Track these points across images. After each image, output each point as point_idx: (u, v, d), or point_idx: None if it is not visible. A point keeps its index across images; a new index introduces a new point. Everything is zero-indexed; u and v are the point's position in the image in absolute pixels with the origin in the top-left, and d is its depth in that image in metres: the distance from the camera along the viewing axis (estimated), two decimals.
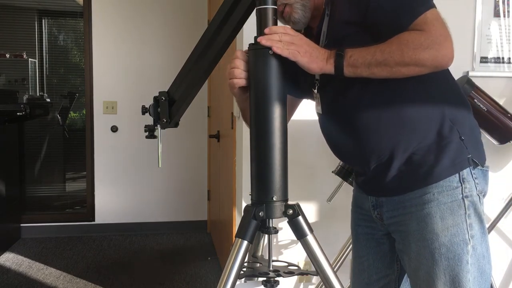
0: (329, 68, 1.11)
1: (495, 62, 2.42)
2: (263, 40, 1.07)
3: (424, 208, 1.19)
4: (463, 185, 1.18)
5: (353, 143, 1.25)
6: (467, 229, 1.17)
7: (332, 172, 2.07)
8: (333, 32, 1.22)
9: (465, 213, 1.18)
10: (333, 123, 1.31)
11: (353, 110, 1.22)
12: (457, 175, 1.18)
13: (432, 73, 1.12)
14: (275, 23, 1.11)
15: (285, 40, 1.07)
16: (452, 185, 1.18)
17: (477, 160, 1.21)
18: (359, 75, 1.12)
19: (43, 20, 5.31)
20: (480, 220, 1.20)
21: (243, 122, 2.28)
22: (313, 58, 1.10)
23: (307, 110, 2.30)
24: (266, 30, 1.08)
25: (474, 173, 1.20)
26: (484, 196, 1.24)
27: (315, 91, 1.28)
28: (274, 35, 1.08)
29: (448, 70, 1.27)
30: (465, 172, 1.19)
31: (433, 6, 1.12)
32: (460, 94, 1.28)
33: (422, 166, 1.19)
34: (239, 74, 1.13)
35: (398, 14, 1.12)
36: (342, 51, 1.11)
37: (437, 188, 1.18)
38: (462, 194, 1.18)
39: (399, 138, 1.20)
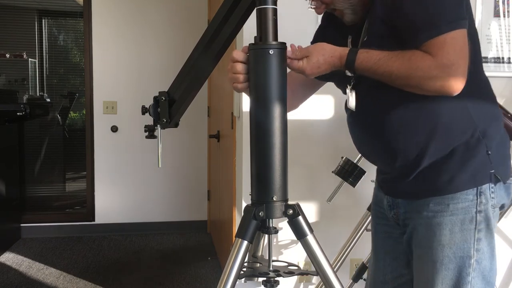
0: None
1: (495, 62, 2.42)
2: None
3: (435, 217, 1.19)
4: (479, 199, 1.17)
5: (381, 142, 1.24)
6: (474, 243, 1.17)
7: (332, 172, 2.07)
8: (372, 29, 1.20)
9: (475, 228, 1.17)
10: (362, 121, 1.29)
11: (384, 110, 1.21)
12: (475, 188, 1.17)
13: (470, 81, 1.10)
14: (275, 23, 1.11)
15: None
16: (468, 198, 1.17)
17: (500, 176, 1.20)
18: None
19: (43, 20, 5.31)
20: (490, 234, 1.20)
21: (243, 122, 2.29)
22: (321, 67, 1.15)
23: (307, 110, 2.31)
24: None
25: (492, 188, 1.19)
26: (503, 208, 1.23)
27: (349, 87, 1.27)
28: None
29: (485, 79, 1.24)
30: (484, 187, 1.18)
31: (460, 26, 1.07)
32: (494, 105, 1.26)
33: (442, 174, 1.19)
34: (243, 79, 1.13)
35: (419, 27, 1.08)
36: (353, 61, 1.12)
37: (453, 199, 1.18)
38: (476, 208, 1.17)
39: (428, 144, 1.18)
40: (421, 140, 1.18)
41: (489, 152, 1.18)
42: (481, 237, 1.18)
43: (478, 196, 1.17)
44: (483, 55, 2.38)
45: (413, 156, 1.20)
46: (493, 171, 1.19)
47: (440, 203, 1.19)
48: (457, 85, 1.06)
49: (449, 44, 1.05)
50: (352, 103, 1.27)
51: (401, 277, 1.38)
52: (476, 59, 1.20)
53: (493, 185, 1.19)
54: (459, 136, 1.17)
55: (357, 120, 1.30)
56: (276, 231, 1.15)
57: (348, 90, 1.28)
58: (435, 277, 1.19)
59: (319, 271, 1.12)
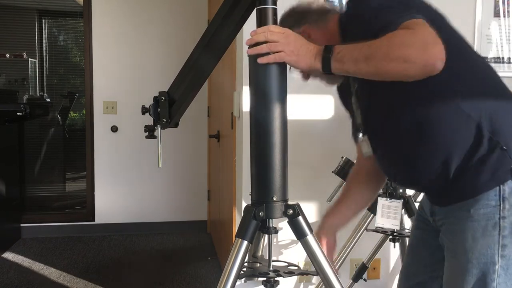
0: (317, 64, 1.09)
1: (495, 62, 2.43)
2: (249, 50, 1.09)
3: (459, 223, 1.18)
4: (502, 205, 1.13)
5: (401, 161, 1.26)
6: (499, 249, 1.14)
7: (332, 172, 2.07)
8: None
9: (499, 234, 1.14)
10: (378, 146, 1.32)
11: (389, 136, 1.24)
12: (497, 190, 1.13)
13: (455, 78, 1.10)
14: (275, 23, 1.11)
15: (271, 40, 1.07)
16: (490, 204, 1.13)
17: None
18: (346, 71, 1.09)
19: (43, 20, 5.32)
20: None
21: (243, 122, 2.29)
22: (301, 56, 1.09)
23: (307, 110, 2.31)
24: (248, 40, 1.09)
25: None
26: None
27: (360, 135, 1.33)
28: (259, 35, 1.07)
29: (491, 72, 1.20)
30: (507, 189, 1.13)
31: (417, 17, 1.05)
32: (505, 97, 1.18)
33: (463, 179, 1.16)
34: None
35: (380, 28, 1.06)
36: (332, 46, 1.08)
37: (474, 205, 1.15)
38: (500, 214, 1.13)
39: (446, 158, 1.16)
40: (436, 158, 1.17)
41: (505, 147, 1.12)
42: (506, 243, 1.14)
43: (502, 202, 1.13)
44: (483, 55, 2.39)
45: (436, 173, 1.19)
46: None
47: (462, 209, 1.17)
48: (439, 55, 0.99)
49: (416, 23, 1.04)
50: (367, 149, 1.35)
51: (434, 271, 1.37)
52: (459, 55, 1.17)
53: None
54: (466, 139, 1.14)
55: (374, 144, 1.33)
56: (276, 231, 1.15)
57: (359, 139, 1.35)
58: (460, 282, 1.18)
59: (319, 271, 1.12)
